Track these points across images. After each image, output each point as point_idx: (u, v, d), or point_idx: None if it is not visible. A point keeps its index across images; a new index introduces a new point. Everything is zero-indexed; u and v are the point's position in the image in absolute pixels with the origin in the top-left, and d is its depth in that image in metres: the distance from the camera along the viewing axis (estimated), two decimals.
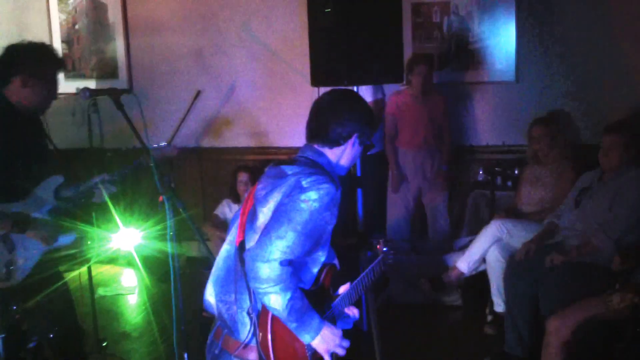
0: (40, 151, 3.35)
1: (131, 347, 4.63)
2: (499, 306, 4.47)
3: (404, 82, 5.08)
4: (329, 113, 2.34)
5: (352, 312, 2.39)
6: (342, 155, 2.34)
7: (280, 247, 2.02)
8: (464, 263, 4.72)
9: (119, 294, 5.60)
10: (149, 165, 3.11)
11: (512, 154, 5.48)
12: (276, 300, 2.04)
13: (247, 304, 2.16)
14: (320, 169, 2.25)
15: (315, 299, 2.20)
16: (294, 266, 2.10)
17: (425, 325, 4.78)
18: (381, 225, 5.58)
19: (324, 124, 2.32)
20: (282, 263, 2.02)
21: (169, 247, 2.85)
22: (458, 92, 5.72)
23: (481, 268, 4.69)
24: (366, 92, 5.38)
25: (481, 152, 5.71)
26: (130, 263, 5.96)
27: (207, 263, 5.73)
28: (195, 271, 5.51)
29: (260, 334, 2.12)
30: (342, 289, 2.36)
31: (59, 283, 3.25)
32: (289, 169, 2.22)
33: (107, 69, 6.33)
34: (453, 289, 4.96)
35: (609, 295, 3.37)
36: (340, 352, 2.22)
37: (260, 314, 2.13)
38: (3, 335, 2.01)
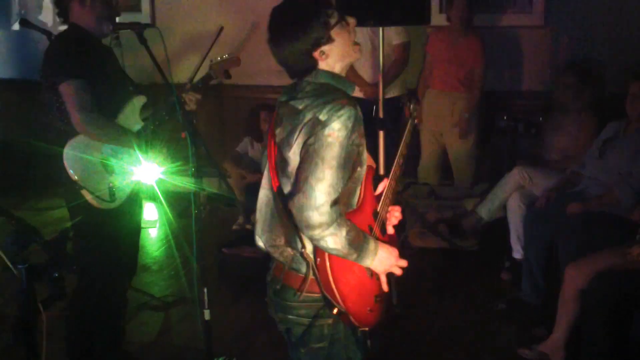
0: (120, 73, 3.33)
1: (151, 279, 4.72)
2: (517, 253, 4.46)
3: (429, 24, 4.96)
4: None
5: (393, 213, 2.31)
6: (331, 56, 2.20)
7: (323, 189, 1.97)
8: (484, 209, 4.72)
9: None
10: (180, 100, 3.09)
11: (536, 100, 5.38)
12: (334, 241, 1.99)
13: (298, 245, 2.12)
14: (328, 92, 2.12)
15: (361, 216, 2.15)
16: (341, 201, 2.04)
17: (442, 269, 4.80)
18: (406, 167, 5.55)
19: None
20: (330, 205, 1.97)
21: (190, 183, 2.87)
22: (483, 36, 5.59)
23: (500, 215, 4.68)
24: (392, 33, 5.28)
25: (505, 97, 5.62)
26: (151, 197, 6.01)
27: (227, 200, 5.77)
28: (215, 207, 5.56)
29: (320, 273, 2.08)
30: (381, 187, 2.29)
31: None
32: (298, 104, 2.12)
33: (129, 2, 6.25)
34: (471, 234, 4.96)
35: (628, 247, 3.35)
36: (398, 272, 2.18)
37: (317, 254, 2.08)
38: (26, 265, 2.02)
